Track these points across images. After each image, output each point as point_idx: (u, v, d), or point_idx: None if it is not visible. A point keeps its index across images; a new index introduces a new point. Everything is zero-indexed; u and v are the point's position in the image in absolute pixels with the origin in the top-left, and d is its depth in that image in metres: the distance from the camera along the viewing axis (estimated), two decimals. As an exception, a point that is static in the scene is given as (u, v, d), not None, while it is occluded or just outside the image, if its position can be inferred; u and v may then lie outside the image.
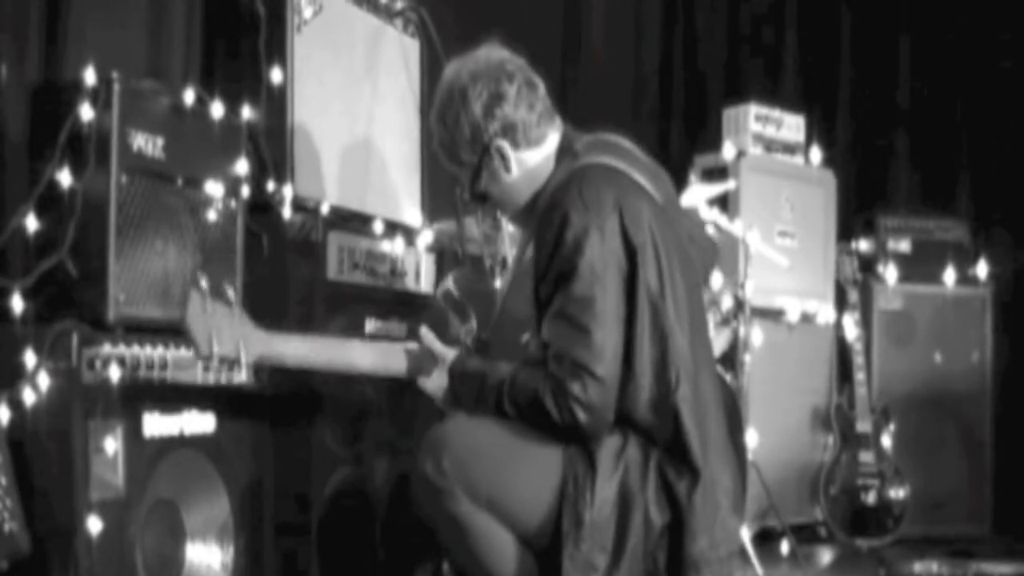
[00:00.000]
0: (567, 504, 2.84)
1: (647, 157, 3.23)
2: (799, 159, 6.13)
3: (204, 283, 2.87)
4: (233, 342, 2.91)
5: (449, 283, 3.53)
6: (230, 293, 2.93)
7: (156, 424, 3.16)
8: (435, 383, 3.13)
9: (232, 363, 2.93)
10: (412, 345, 3.18)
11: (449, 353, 3.13)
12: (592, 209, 2.89)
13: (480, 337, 3.35)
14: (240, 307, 2.95)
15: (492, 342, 3.28)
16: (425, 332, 3.16)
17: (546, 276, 2.93)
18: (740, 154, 5.84)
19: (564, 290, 2.88)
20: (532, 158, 3.12)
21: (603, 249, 2.88)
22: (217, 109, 3.46)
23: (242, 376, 2.96)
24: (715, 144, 6.02)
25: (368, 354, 3.18)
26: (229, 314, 2.92)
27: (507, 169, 3.11)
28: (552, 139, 3.14)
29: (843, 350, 6.03)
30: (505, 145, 3.09)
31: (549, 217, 2.94)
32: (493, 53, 3.16)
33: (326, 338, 3.23)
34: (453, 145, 3.15)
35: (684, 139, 6.94)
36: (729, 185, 5.49)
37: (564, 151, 3.12)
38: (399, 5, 4.37)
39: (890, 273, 6.21)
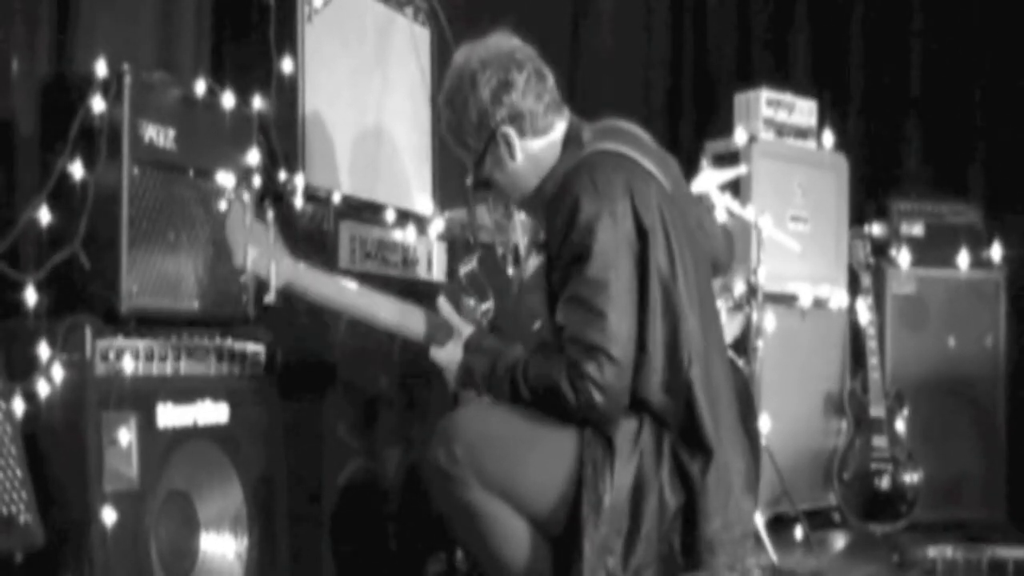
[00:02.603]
0: (586, 489, 2.86)
1: (655, 143, 3.23)
2: (811, 144, 6.11)
3: (246, 198, 2.90)
4: (266, 261, 2.97)
5: (474, 263, 3.55)
6: (269, 215, 2.97)
7: (169, 415, 3.16)
8: (448, 355, 3.14)
9: (263, 283, 2.96)
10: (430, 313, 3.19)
11: (466, 327, 3.14)
12: (603, 193, 2.92)
13: (494, 321, 3.36)
14: (276, 231, 2.98)
15: (505, 328, 3.29)
16: (443, 303, 3.17)
17: (559, 261, 2.95)
18: (752, 139, 5.83)
19: (577, 274, 2.90)
20: (538, 146, 3.14)
21: (615, 232, 2.90)
22: (228, 100, 3.46)
23: (269, 298, 2.98)
24: (726, 129, 6.01)
25: (390, 309, 3.20)
26: (265, 234, 2.98)
27: (512, 156, 3.12)
28: (559, 128, 3.16)
29: (856, 335, 6.01)
30: (511, 132, 3.10)
31: (559, 202, 2.96)
32: (504, 41, 3.17)
33: (352, 282, 3.24)
34: (460, 129, 3.17)
35: (695, 124, 6.93)
36: (741, 170, 5.47)
37: (571, 140, 3.14)
38: (409, -6, 4.38)
39: (903, 257, 6.19)
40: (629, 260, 2.91)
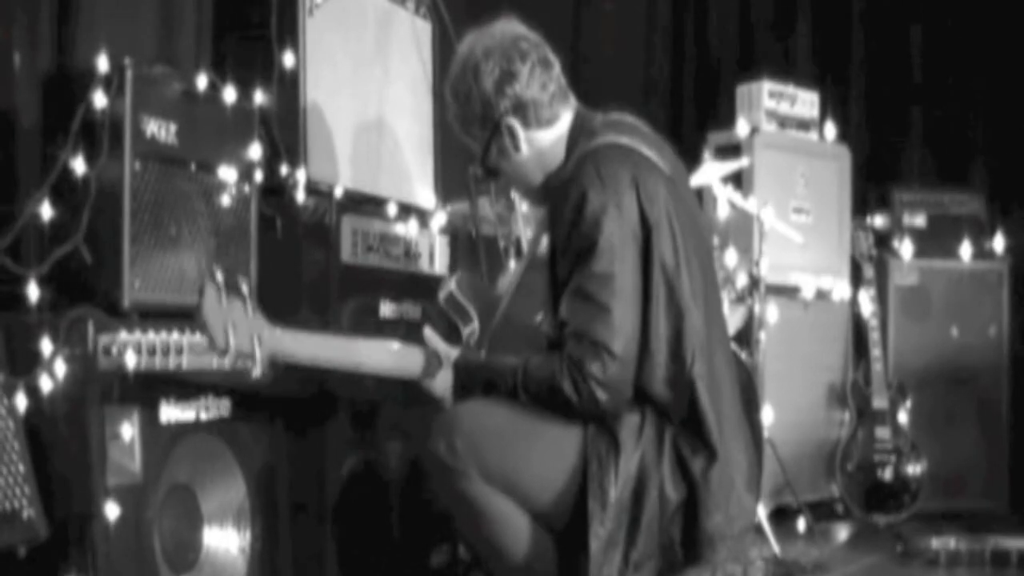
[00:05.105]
0: (592, 483, 2.85)
1: (657, 136, 3.22)
2: (813, 135, 6.12)
3: (219, 276, 2.87)
4: (248, 337, 2.90)
5: (451, 285, 3.53)
6: (244, 288, 2.93)
7: (172, 409, 3.17)
8: (441, 383, 3.11)
9: (247, 358, 2.93)
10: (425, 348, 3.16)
11: (452, 351, 3.12)
12: (610, 186, 2.90)
13: (479, 340, 3.34)
14: (254, 303, 2.95)
15: (504, 327, 3.28)
16: (428, 333, 3.15)
17: (564, 254, 2.94)
18: (754, 131, 5.83)
19: (583, 267, 2.88)
20: (543, 138, 3.12)
21: (621, 226, 2.88)
22: (229, 94, 3.47)
23: (256, 372, 2.94)
24: (728, 121, 6.01)
25: (380, 355, 3.14)
26: (243, 309, 2.92)
27: (516, 148, 3.11)
28: (565, 119, 3.14)
29: (859, 326, 6.01)
30: (515, 123, 3.09)
31: (566, 195, 2.95)
32: (509, 28, 3.15)
33: (338, 337, 3.21)
34: (465, 119, 3.15)
35: (697, 116, 6.93)
36: (743, 162, 5.47)
37: (577, 131, 3.11)
38: (410, -14, 4.38)
39: (905, 248, 6.19)
40: (634, 254, 2.90)
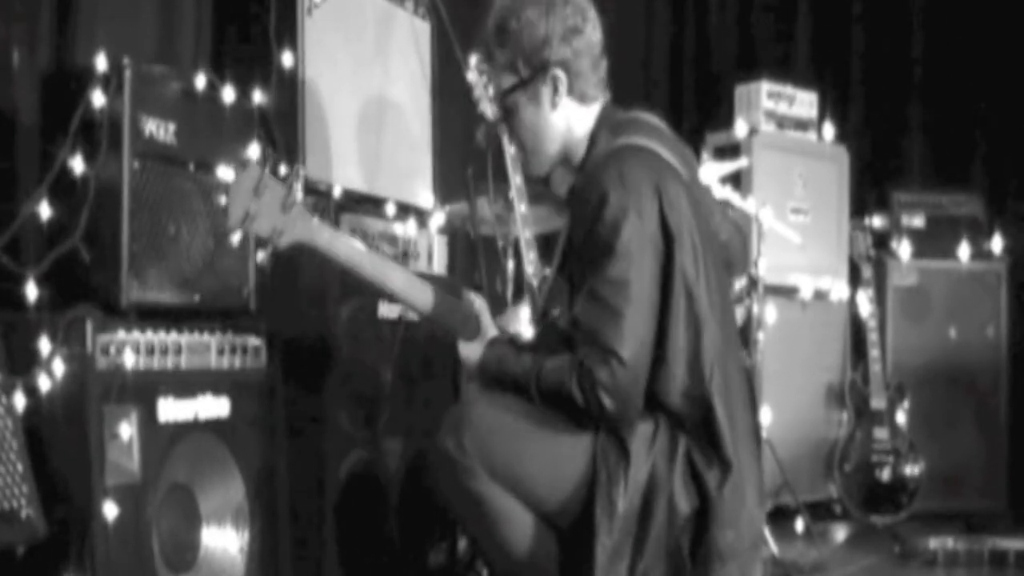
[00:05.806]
0: (600, 494, 2.82)
1: (675, 137, 3.18)
2: (812, 135, 6.13)
3: (268, 160, 2.86)
4: (271, 224, 2.89)
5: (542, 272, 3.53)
6: (300, 171, 2.89)
7: (171, 409, 3.17)
8: (472, 351, 3.09)
9: (265, 241, 2.92)
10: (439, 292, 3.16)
11: (492, 329, 3.12)
12: (631, 191, 2.85)
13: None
14: (298, 190, 2.92)
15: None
16: (479, 300, 3.14)
17: (582, 254, 2.91)
18: (752, 131, 5.84)
19: (599, 270, 2.84)
20: (575, 112, 3.07)
21: (641, 232, 2.84)
22: (228, 93, 3.46)
23: (262, 258, 2.92)
24: (727, 121, 6.02)
25: (402, 278, 3.11)
26: (282, 193, 2.91)
27: (553, 102, 3.05)
28: (595, 108, 3.09)
29: (857, 327, 6.02)
30: (562, 76, 3.04)
31: (586, 195, 2.91)
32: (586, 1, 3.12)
33: (378, 255, 3.19)
34: (511, 42, 3.05)
35: (696, 117, 6.92)
36: (741, 163, 5.48)
37: (602, 127, 3.07)
38: (409, -13, 4.38)
39: (904, 249, 6.20)
40: (652, 261, 2.85)
